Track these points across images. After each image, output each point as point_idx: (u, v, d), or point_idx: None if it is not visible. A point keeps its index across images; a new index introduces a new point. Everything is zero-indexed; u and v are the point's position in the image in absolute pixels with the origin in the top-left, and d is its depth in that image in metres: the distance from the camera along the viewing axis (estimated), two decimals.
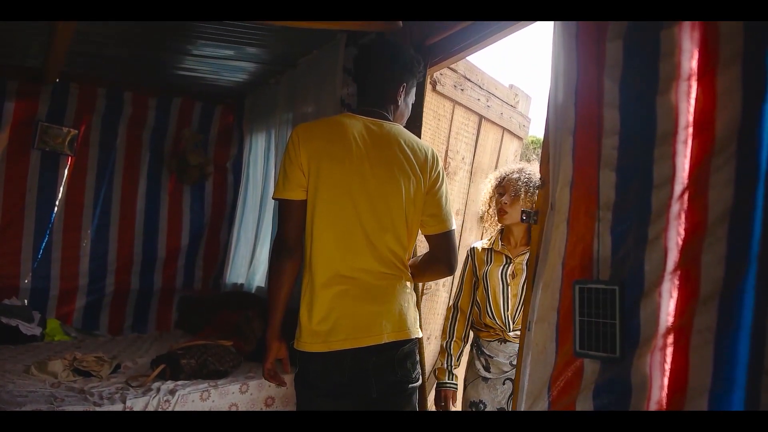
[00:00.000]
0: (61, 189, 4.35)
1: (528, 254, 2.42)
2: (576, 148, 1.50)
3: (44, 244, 4.30)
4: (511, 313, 2.48)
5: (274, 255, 1.89)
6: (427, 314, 3.22)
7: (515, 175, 2.51)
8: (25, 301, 4.15)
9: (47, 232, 4.31)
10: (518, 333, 2.42)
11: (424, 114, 2.79)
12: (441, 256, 1.97)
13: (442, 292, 3.32)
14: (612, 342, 1.34)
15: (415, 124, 2.67)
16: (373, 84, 1.98)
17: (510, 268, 2.49)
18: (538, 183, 2.43)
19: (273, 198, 1.90)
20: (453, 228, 1.97)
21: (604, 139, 1.41)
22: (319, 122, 1.96)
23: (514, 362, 2.41)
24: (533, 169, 2.55)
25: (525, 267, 2.46)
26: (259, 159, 4.40)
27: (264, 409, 2.90)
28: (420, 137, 2.74)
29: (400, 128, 1.98)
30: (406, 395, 1.91)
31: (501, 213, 2.51)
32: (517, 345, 2.27)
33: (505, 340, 2.47)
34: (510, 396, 2.41)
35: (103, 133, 4.45)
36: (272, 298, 1.89)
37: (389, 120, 1.97)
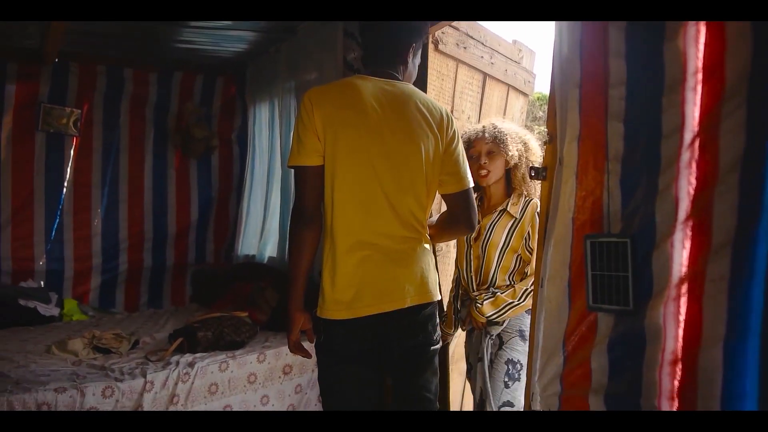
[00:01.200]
0: (69, 170, 4.36)
1: (498, 213, 2.47)
2: (582, 101, 1.48)
3: (56, 225, 4.34)
4: (474, 274, 2.52)
5: (293, 224, 1.84)
6: (440, 276, 3.23)
7: (480, 134, 2.49)
8: (41, 282, 4.21)
9: (58, 213, 4.34)
10: (480, 293, 2.48)
11: (428, 74, 2.75)
12: (460, 214, 1.97)
13: (453, 253, 3.33)
14: (625, 295, 1.34)
15: (419, 85, 2.64)
16: (383, 45, 1.94)
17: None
18: (504, 132, 2.43)
19: (288, 166, 1.85)
20: (471, 185, 1.98)
21: (611, 90, 1.38)
22: (331, 86, 1.91)
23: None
24: (496, 120, 2.55)
25: (491, 227, 2.47)
26: (264, 129, 4.38)
27: (282, 376, 2.95)
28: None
29: (413, 88, 1.95)
30: (428, 357, 1.92)
31: (482, 175, 2.46)
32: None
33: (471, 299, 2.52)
34: (488, 348, 2.46)
35: (106, 111, 4.44)
36: (293, 268, 1.86)
37: (401, 80, 1.95)
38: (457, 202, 1.96)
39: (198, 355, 2.85)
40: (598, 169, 1.42)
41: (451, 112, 3.18)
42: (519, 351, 2.44)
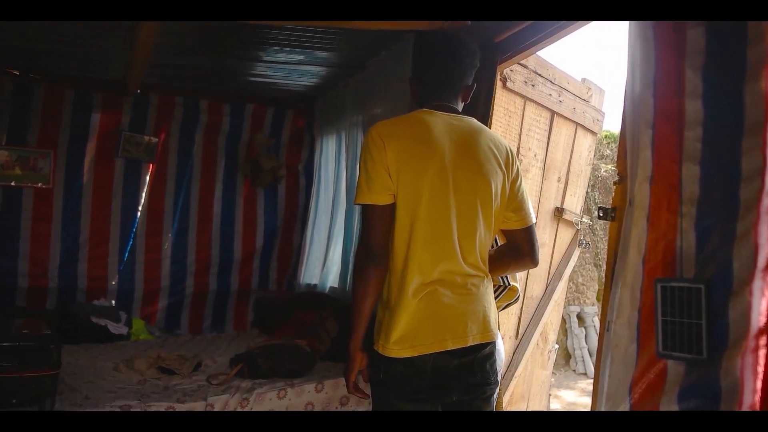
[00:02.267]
0: (143, 195, 4.55)
1: None
2: (655, 141, 1.44)
3: (129, 248, 4.52)
4: None
5: (359, 262, 1.80)
6: (501, 314, 3.17)
7: None
8: (113, 301, 4.38)
9: (131, 236, 4.52)
10: None
11: (495, 111, 2.75)
12: (527, 250, 1.95)
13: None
14: (698, 343, 1.28)
15: (484, 121, 2.64)
16: (446, 79, 1.91)
17: None
18: None
19: (356, 203, 1.80)
20: (535, 221, 1.97)
21: (687, 132, 1.34)
22: (400, 121, 1.87)
23: None
24: None
25: None
26: (330, 161, 4.46)
27: (339, 408, 2.94)
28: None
29: (479, 123, 1.94)
30: (485, 397, 1.88)
31: None
32: None
33: None
34: None
35: (181, 140, 4.63)
36: (358, 307, 1.81)
37: (463, 115, 1.93)
38: (523, 237, 1.95)
39: (257, 381, 2.87)
40: (672, 211, 1.38)
41: (518, 149, 3.17)
42: None
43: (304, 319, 3.61)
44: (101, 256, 4.42)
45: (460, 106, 1.96)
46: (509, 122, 3.09)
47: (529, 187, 3.29)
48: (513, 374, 3.29)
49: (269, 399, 2.76)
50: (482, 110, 2.64)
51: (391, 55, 3.38)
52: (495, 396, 1.93)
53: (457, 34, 1.97)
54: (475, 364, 1.84)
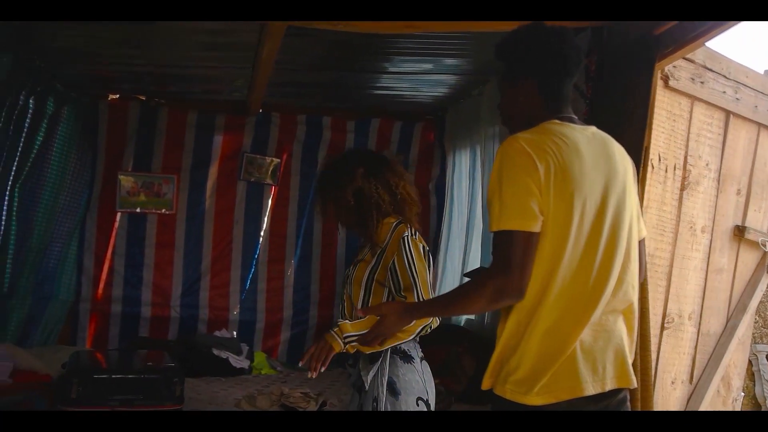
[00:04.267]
0: (266, 219, 4.75)
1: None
2: None
3: (251, 275, 4.72)
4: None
5: (494, 293, 1.63)
6: (670, 353, 2.97)
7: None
8: (234, 333, 4.58)
9: (253, 263, 4.73)
10: None
11: (655, 115, 2.60)
12: (641, 263, 1.88)
13: (688, 325, 3.05)
14: None
15: (642, 127, 2.50)
16: (565, 84, 1.82)
17: None
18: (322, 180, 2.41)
19: (501, 229, 1.63)
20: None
21: None
22: (540, 134, 1.72)
23: None
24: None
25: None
26: (464, 178, 4.42)
27: None
28: (650, 143, 2.56)
29: (606, 134, 1.84)
30: None
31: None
32: None
33: None
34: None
35: (304, 160, 4.79)
36: (455, 311, 1.77)
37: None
38: (640, 250, 1.87)
39: None
40: None
41: (685, 158, 2.97)
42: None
43: (437, 356, 3.57)
44: (223, 285, 4.65)
45: None
46: (674, 127, 2.91)
47: (701, 202, 3.08)
48: None
49: None
50: (639, 114, 2.50)
51: None
52: None
53: (566, 31, 1.84)
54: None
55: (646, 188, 2.61)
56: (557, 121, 1.77)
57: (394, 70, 3.79)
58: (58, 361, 2.98)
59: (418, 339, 2.40)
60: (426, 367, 2.40)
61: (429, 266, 2.33)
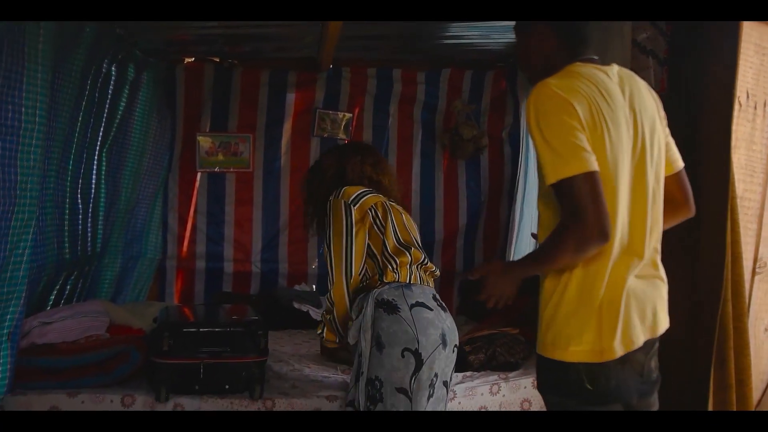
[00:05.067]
0: None
1: None
2: None
3: None
4: None
5: (577, 245, 1.60)
6: (763, 299, 2.86)
7: None
8: (313, 286, 4.69)
9: None
10: None
11: (742, 49, 2.45)
12: (681, 197, 1.93)
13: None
14: None
15: (730, 63, 2.37)
16: (595, 27, 1.84)
17: None
18: None
19: (560, 179, 1.59)
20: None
21: None
22: (565, 75, 1.70)
23: None
24: None
25: None
26: None
27: None
28: (735, 80, 2.44)
29: (631, 72, 1.87)
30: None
31: None
32: None
33: None
34: None
35: (376, 113, 4.79)
36: (545, 266, 1.77)
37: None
38: (676, 184, 1.91)
39: (467, 374, 2.89)
40: None
41: None
42: None
43: (517, 305, 3.56)
44: (300, 239, 4.73)
45: None
46: (763, 62, 2.75)
47: None
48: None
49: (480, 394, 2.78)
50: (727, 48, 2.37)
51: None
52: None
53: None
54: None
55: (733, 127, 2.49)
56: (579, 63, 1.74)
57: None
58: (149, 316, 3.11)
59: (419, 282, 2.51)
60: (421, 313, 2.38)
61: (344, 223, 2.56)
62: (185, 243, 4.71)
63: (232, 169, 4.71)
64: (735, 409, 2.29)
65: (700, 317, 2.38)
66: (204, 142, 4.65)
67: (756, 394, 2.53)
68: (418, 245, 2.63)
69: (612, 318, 1.67)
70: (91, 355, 2.73)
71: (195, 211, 4.71)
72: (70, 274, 3.49)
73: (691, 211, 1.94)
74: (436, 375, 2.37)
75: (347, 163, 2.80)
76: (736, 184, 2.45)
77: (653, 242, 1.77)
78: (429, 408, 2.36)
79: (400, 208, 2.74)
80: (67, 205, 3.37)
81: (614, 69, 1.80)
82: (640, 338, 1.71)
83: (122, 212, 4.00)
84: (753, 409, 2.39)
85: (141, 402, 2.62)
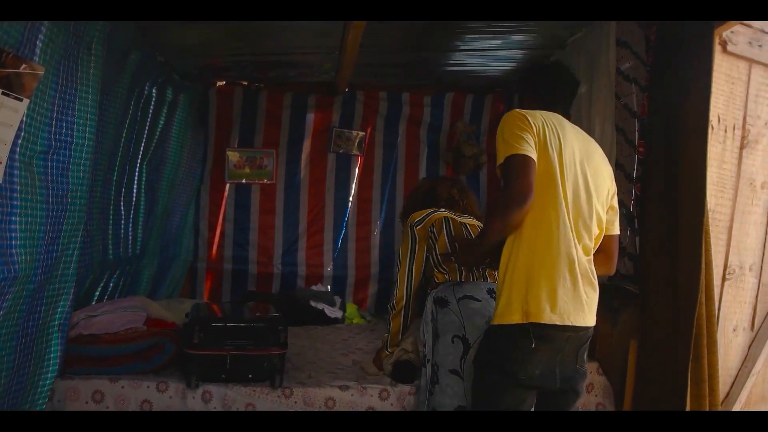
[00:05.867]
0: (354, 186, 4.84)
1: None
2: None
3: (341, 236, 4.84)
4: None
5: (504, 205, 1.83)
6: (732, 302, 2.86)
7: None
8: (329, 287, 4.72)
9: (343, 226, 4.85)
10: None
11: (715, 79, 2.47)
12: (616, 255, 2.23)
13: (749, 276, 2.92)
14: None
15: (704, 91, 2.39)
16: (555, 101, 2.14)
17: None
18: None
19: (502, 160, 1.87)
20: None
21: None
22: (537, 111, 2.01)
23: None
24: None
25: None
26: None
27: None
28: (708, 106, 2.46)
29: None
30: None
31: None
32: None
33: None
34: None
35: (386, 132, 4.84)
36: (491, 235, 1.90)
37: None
38: (615, 244, 2.19)
39: None
40: None
41: (744, 119, 2.83)
42: None
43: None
44: (318, 245, 4.79)
45: None
46: (732, 90, 2.76)
47: (760, 160, 2.93)
48: (750, 371, 2.94)
49: None
50: (701, 79, 2.39)
51: (591, 29, 3.20)
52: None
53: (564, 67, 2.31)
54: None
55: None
56: (545, 111, 2.03)
57: (465, 48, 3.75)
58: (182, 312, 3.13)
59: (472, 279, 2.67)
60: (467, 305, 2.52)
61: (409, 243, 2.81)
62: (214, 247, 4.76)
63: (257, 181, 4.76)
64: (707, 401, 2.30)
65: (679, 318, 2.39)
66: (232, 156, 4.70)
67: (724, 387, 2.54)
68: None
69: (543, 289, 1.82)
70: (130, 345, 2.76)
71: (224, 219, 4.77)
72: (113, 273, 3.53)
73: (611, 270, 2.16)
74: None
75: (439, 184, 3.15)
76: (708, 199, 2.46)
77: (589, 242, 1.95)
78: None
79: (468, 220, 2.91)
80: (111, 212, 3.42)
81: (579, 130, 2.10)
82: (570, 317, 1.83)
83: (159, 219, 4.05)
84: (720, 401, 2.39)
85: (174, 388, 2.64)
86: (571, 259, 1.86)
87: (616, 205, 2.15)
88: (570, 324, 1.83)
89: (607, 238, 2.10)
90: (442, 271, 2.72)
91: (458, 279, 2.66)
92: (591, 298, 1.92)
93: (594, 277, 1.95)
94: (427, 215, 2.82)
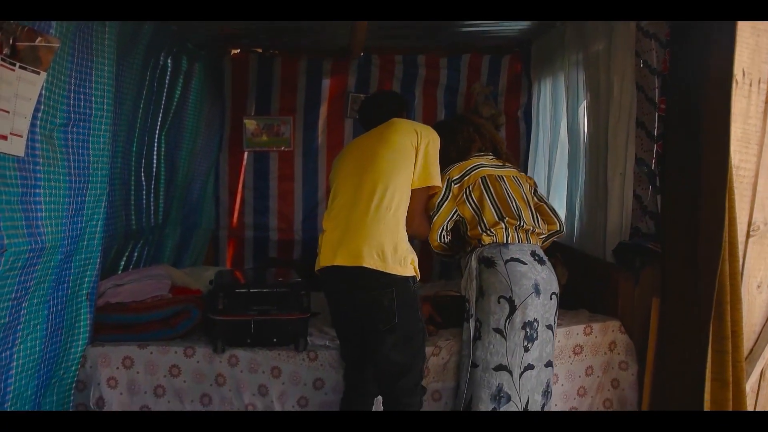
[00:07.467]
0: None
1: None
2: None
3: None
4: None
5: None
6: (756, 259, 2.82)
7: None
8: None
9: None
10: None
11: (738, 30, 2.40)
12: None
13: None
14: None
15: (724, 44, 2.32)
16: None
17: None
18: None
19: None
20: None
21: None
22: None
23: None
24: None
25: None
26: (548, 104, 4.27)
27: (608, 353, 2.86)
28: (733, 60, 2.39)
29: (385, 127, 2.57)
30: None
31: None
32: None
33: None
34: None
35: (403, 96, 4.76)
36: None
37: None
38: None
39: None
40: None
41: None
42: None
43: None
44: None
45: None
46: (758, 42, 2.65)
47: None
48: None
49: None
50: (725, 32, 2.32)
51: None
52: None
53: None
54: None
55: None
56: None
57: None
58: (206, 279, 3.18)
59: (517, 242, 2.62)
60: (514, 267, 2.53)
61: (443, 192, 2.70)
62: (235, 215, 4.80)
63: (274, 149, 4.77)
64: (729, 357, 2.29)
65: (701, 275, 2.38)
66: (250, 124, 4.70)
67: (748, 344, 2.52)
68: (516, 210, 2.67)
69: None
70: (157, 312, 2.81)
71: (243, 186, 4.80)
72: (137, 243, 3.58)
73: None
74: (536, 320, 2.51)
75: (477, 130, 2.93)
76: (733, 155, 2.41)
77: None
78: (535, 349, 2.51)
79: (506, 172, 2.80)
80: (132, 182, 3.44)
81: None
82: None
83: (180, 188, 4.08)
84: (744, 357, 2.38)
85: (201, 353, 2.69)
86: None
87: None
88: None
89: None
90: (489, 234, 2.64)
91: (504, 241, 2.62)
92: None
93: None
94: (467, 173, 2.73)
